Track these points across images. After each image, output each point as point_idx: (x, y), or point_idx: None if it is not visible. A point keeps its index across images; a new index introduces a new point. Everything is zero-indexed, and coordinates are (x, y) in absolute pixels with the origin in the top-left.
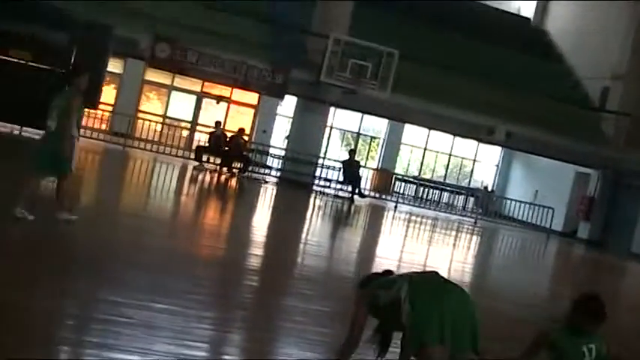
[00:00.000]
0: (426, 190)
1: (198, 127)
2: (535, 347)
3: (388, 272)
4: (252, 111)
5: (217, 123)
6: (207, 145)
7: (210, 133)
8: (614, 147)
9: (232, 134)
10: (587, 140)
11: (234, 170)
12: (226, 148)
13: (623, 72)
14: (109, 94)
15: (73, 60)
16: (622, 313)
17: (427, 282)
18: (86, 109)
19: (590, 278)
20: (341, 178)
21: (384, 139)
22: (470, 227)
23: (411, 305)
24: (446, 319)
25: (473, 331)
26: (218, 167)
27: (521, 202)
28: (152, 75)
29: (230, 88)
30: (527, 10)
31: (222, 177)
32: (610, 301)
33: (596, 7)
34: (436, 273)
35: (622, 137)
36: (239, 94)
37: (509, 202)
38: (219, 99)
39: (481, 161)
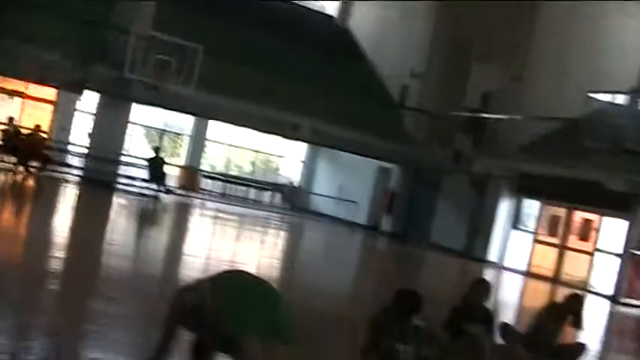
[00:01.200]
0: (233, 186)
1: None
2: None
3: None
4: (50, 107)
5: (10, 119)
6: None
7: (3, 131)
8: (413, 143)
9: (28, 131)
10: (388, 136)
11: (31, 169)
12: (20, 146)
13: (422, 70)
14: None
15: None
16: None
17: (233, 278)
18: None
19: (392, 270)
20: (146, 176)
21: (189, 136)
22: (277, 223)
23: (214, 302)
24: (255, 313)
25: (282, 325)
26: (13, 166)
27: (326, 196)
28: None
29: (25, 83)
30: (331, 8)
31: (19, 177)
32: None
33: (397, 8)
34: (242, 271)
35: (421, 134)
36: (36, 90)
37: (315, 197)
38: (12, 94)
39: (287, 157)
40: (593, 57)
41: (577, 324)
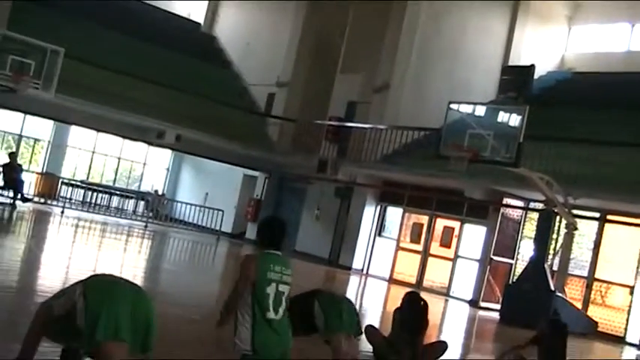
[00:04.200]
0: (95, 194)
1: None
2: None
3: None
4: None
5: None
6: None
7: None
8: (278, 151)
9: None
10: (254, 144)
11: None
12: None
13: (288, 79)
14: None
15: None
16: None
17: (100, 281)
18: None
19: None
20: (1, 183)
21: (48, 142)
22: (140, 231)
23: (84, 305)
24: (121, 315)
25: (150, 332)
26: None
27: (191, 204)
28: None
29: None
30: (198, 15)
31: None
32: None
33: (263, 17)
34: (115, 276)
35: (286, 142)
36: None
37: (179, 205)
38: None
39: (151, 164)
40: (455, 68)
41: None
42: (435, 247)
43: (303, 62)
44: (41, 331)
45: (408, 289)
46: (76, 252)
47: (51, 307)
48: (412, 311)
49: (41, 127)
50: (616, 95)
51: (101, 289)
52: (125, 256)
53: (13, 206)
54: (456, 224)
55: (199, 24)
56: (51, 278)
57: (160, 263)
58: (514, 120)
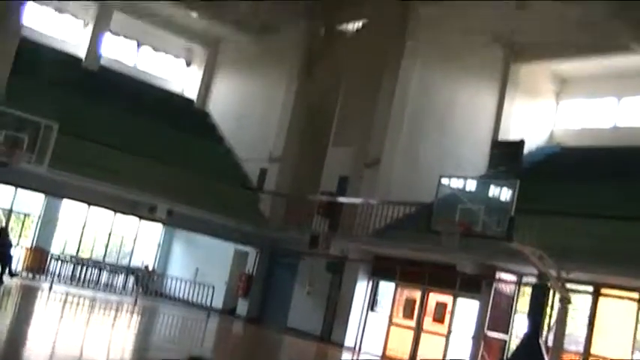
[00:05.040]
0: (85, 269)
1: None
2: None
3: None
4: None
5: None
6: None
7: None
8: (270, 226)
9: None
10: (245, 219)
11: None
12: None
13: (280, 155)
14: None
15: None
16: None
17: None
18: None
19: (249, 352)
20: None
21: (39, 216)
22: (130, 307)
23: None
24: None
25: None
26: None
27: (181, 280)
28: None
29: None
30: (191, 92)
31: None
32: None
33: (255, 92)
34: None
35: (278, 217)
36: None
37: (170, 280)
38: None
39: (142, 239)
40: (446, 142)
41: None
42: (428, 323)
43: (295, 137)
44: None
45: None
46: (63, 327)
47: None
48: None
49: (32, 202)
50: (603, 169)
51: None
52: (113, 333)
53: (0, 281)
54: (448, 299)
55: (192, 100)
56: (37, 354)
57: (149, 339)
58: (505, 194)
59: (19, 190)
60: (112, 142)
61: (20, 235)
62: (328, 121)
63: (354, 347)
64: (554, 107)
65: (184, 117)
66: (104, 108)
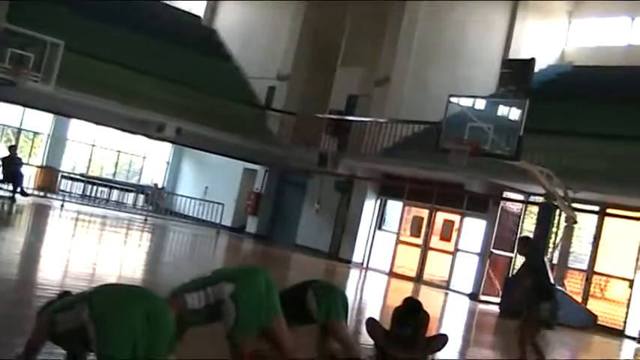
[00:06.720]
0: (95, 187)
1: None
2: None
3: (66, 293)
4: None
5: None
6: None
7: None
8: (279, 144)
9: None
10: (254, 138)
11: None
12: None
13: (288, 73)
14: None
15: None
16: None
17: (106, 300)
18: None
19: None
20: (0, 177)
21: (48, 135)
22: (140, 225)
23: (95, 330)
24: (138, 330)
25: (170, 335)
26: None
27: (191, 198)
28: None
29: None
30: (198, 8)
31: None
32: None
33: (263, 10)
34: (113, 286)
35: (287, 135)
36: None
37: (179, 198)
38: None
39: (151, 158)
40: (456, 62)
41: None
42: (435, 241)
43: (304, 55)
44: (44, 340)
45: (408, 283)
46: (75, 245)
47: (55, 323)
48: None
49: (41, 121)
50: (616, 89)
51: (109, 309)
52: (125, 250)
53: (12, 200)
54: (456, 218)
55: (199, 17)
56: (50, 271)
57: (160, 256)
58: (514, 113)
59: (27, 109)
60: (119, 61)
61: (30, 154)
62: (337, 41)
63: (362, 264)
64: (567, 26)
65: (191, 35)
66: (110, 25)
